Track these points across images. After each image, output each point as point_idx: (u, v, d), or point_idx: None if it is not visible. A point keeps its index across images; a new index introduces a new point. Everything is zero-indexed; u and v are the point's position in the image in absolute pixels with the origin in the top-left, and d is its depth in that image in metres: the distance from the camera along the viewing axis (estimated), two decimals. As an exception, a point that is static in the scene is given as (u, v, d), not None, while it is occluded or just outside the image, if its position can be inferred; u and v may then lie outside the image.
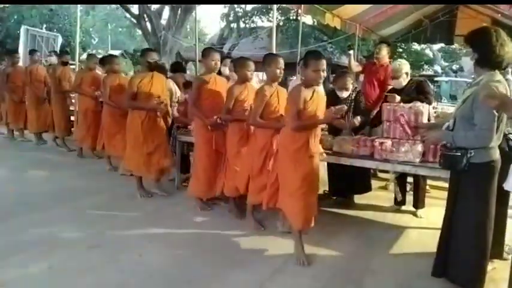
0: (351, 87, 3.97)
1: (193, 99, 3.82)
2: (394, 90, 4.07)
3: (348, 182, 4.04)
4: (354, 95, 4.00)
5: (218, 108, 3.72)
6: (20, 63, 7.50)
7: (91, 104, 5.70)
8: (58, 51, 8.66)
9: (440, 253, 2.54)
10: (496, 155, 2.37)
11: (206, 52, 3.86)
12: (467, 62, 2.41)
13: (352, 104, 3.98)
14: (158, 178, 4.33)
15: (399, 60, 4.45)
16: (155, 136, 4.13)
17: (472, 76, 2.56)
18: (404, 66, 3.98)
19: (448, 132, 2.47)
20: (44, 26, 16.05)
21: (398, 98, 3.83)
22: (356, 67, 5.78)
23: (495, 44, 2.25)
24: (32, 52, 7.07)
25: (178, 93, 4.84)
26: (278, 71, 3.25)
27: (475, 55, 2.34)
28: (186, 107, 4.54)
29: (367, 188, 4.19)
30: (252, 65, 3.61)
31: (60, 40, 12.34)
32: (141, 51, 4.36)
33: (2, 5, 17.56)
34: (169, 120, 4.48)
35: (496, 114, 2.24)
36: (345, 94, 3.97)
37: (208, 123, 3.70)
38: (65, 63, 6.56)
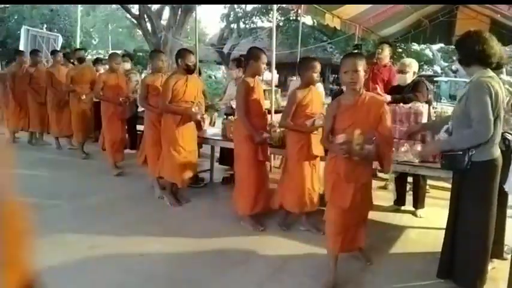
0: None
1: (242, 107, 3.38)
2: (398, 87, 4.10)
3: None
4: None
5: (260, 115, 3.50)
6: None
7: (116, 110, 5.04)
8: (59, 49, 8.42)
9: (445, 254, 2.53)
10: (498, 153, 2.38)
11: (257, 53, 3.46)
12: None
13: None
14: (184, 185, 4.07)
15: (410, 58, 4.48)
16: (189, 142, 3.95)
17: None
18: (413, 64, 4.02)
19: (444, 140, 2.49)
20: (45, 26, 16.05)
21: (388, 97, 3.83)
22: None
23: (475, 42, 2.33)
24: (54, 53, 6.65)
25: None
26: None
27: (458, 56, 2.45)
28: None
29: None
30: (318, 67, 3.29)
31: (60, 40, 12.33)
32: (178, 52, 3.96)
33: (2, 5, 17.58)
34: (203, 125, 4.27)
35: (490, 108, 2.25)
36: None
37: (257, 140, 3.36)
38: (82, 60, 6.01)
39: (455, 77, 17.84)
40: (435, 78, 17.36)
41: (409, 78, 3.95)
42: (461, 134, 2.36)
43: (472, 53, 2.34)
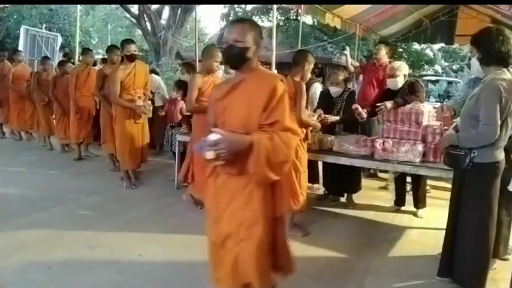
0: (342, 83, 4.03)
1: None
2: (390, 91, 4.00)
3: (339, 181, 4.08)
4: (346, 94, 4.05)
5: None
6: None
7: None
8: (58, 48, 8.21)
9: (446, 253, 2.53)
10: (501, 156, 2.35)
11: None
12: (475, 63, 2.44)
13: (344, 103, 4.03)
14: None
15: (399, 62, 4.42)
16: None
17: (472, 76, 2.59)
18: (403, 67, 3.95)
19: (454, 134, 2.47)
20: (44, 25, 16.05)
21: (389, 105, 3.71)
22: (354, 68, 5.81)
23: (496, 40, 2.27)
24: (86, 52, 5.87)
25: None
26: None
27: (478, 54, 2.36)
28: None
29: (358, 188, 4.18)
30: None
31: (60, 40, 12.32)
32: (303, 54, 3.27)
33: (1, 5, 17.56)
34: None
35: (498, 109, 2.21)
36: (337, 91, 4.03)
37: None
38: (133, 58, 4.44)
39: (456, 77, 17.84)
40: (436, 78, 17.36)
41: (400, 81, 3.88)
42: (468, 133, 2.34)
43: (494, 52, 2.28)
